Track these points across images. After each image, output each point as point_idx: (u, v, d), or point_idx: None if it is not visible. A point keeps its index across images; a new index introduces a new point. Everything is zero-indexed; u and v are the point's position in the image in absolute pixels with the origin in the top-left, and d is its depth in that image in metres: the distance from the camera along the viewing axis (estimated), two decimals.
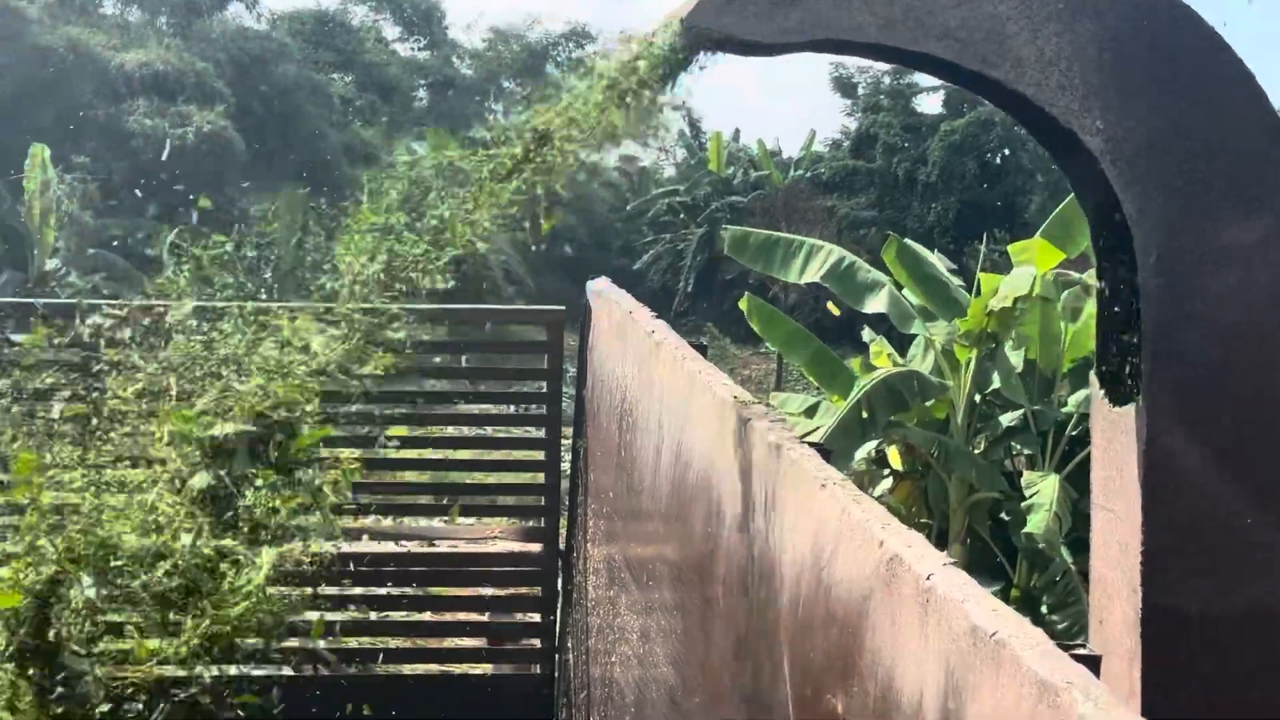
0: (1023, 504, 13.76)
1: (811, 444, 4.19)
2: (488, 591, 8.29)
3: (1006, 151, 52.49)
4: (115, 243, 40.64)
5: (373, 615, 8.11)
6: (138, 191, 43.39)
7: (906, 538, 3.25)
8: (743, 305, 16.78)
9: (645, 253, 53.01)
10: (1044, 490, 13.57)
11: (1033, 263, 14.95)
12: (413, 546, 8.10)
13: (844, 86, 58.30)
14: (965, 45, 4.07)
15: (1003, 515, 15.54)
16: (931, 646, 2.89)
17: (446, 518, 8.23)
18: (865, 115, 56.99)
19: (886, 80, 55.99)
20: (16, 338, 7.37)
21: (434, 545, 8.17)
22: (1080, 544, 13.76)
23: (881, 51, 4.27)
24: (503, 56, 66.54)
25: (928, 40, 4.09)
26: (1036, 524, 13.23)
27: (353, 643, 8.18)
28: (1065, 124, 4.13)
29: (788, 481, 3.92)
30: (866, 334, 18.22)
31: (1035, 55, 4.09)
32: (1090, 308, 14.87)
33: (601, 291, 7.34)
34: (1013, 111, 4.38)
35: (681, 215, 53.86)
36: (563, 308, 7.61)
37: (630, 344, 6.37)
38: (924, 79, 53.87)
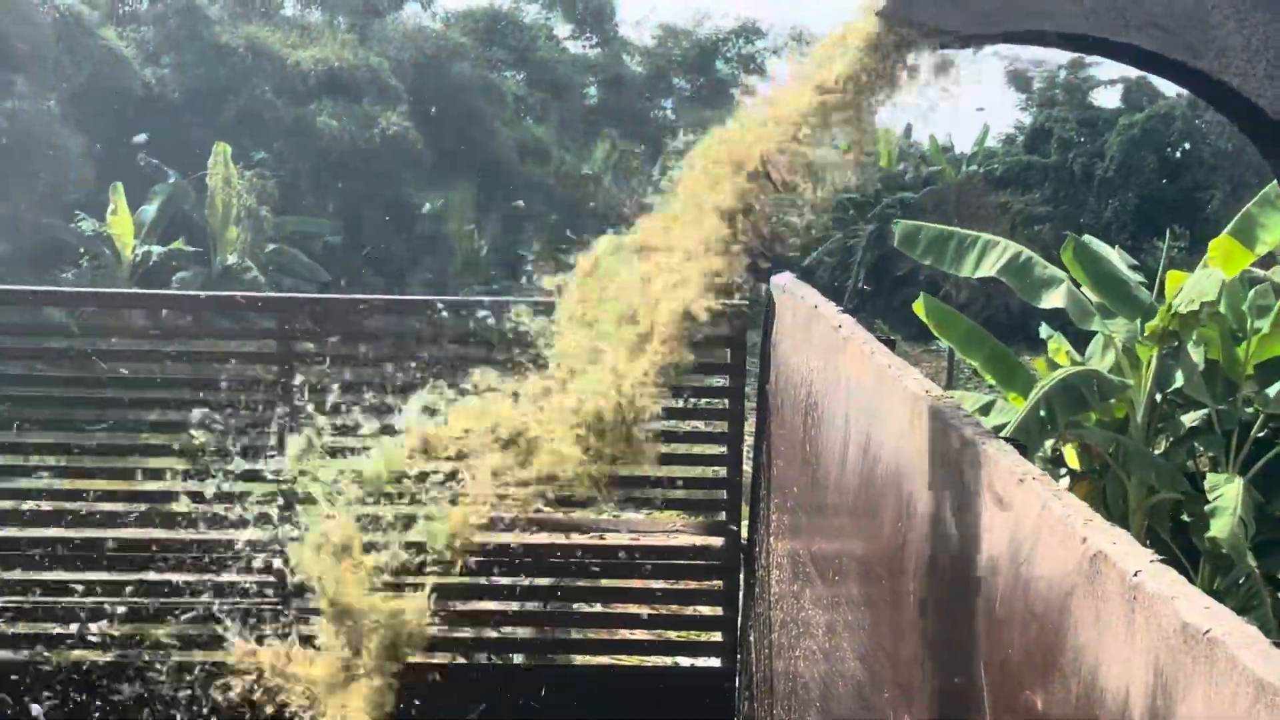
0: (1205, 507, 13.47)
1: (1007, 439, 4.15)
2: (669, 585, 8.34)
3: (1187, 146, 51.40)
4: (297, 240, 41.47)
5: (548, 607, 8.20)
6: (319, 189, 44.25)
7: (1110, 534, 3.20)
8: (917, 306, 16.62)
9: (815, 249, 52.79)
10: (1227, 494, 13.28)
11: (1220, 263, 14.62)
12: (589, 539, 8.17)
13: (1018, 81, 57.59)
14: (1169, 34, 4.00)
15: (1184, 517, 15.24)
16: (1139, 644, 2.84)
17: (631, 510, 8.30)
18: (1040, 110, 56.19)
19: (1062, 74, 55.18)
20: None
21: (604, 538, 8.22)
22: (1266, 548, 13.47)
23: (1080, 41, 4.21)
24: (672, 53, 66.64)
25: (1130, 30, 4.02)
26: (1220, 528, 12.94)
27: (524, 632, 8.30)
28: (1274, 115, 4.03)
29: (984, 476, 3.88)
30: (1044, 331, 17.96)
31: (1242, 44, 4.00)
32: (1277, 306, 14.52)
33: (785, 286, 7.33)
34: (1217, 103, 4.29)
35: (852, 211, 53.54)
36: (746, 302, 7.60)
37: (815, 338, 6.35)
38: (1101, 72, 52.98)
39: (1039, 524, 3.46)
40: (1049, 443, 15.15)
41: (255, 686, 6.39)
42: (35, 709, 8.11)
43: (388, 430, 6.99)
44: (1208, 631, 2.60)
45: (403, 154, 45.47)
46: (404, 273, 45.14)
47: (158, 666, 8.14)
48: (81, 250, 37.64)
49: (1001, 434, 13.07)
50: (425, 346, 8.14)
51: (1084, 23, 4.02)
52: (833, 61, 4.26)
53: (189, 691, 7.82)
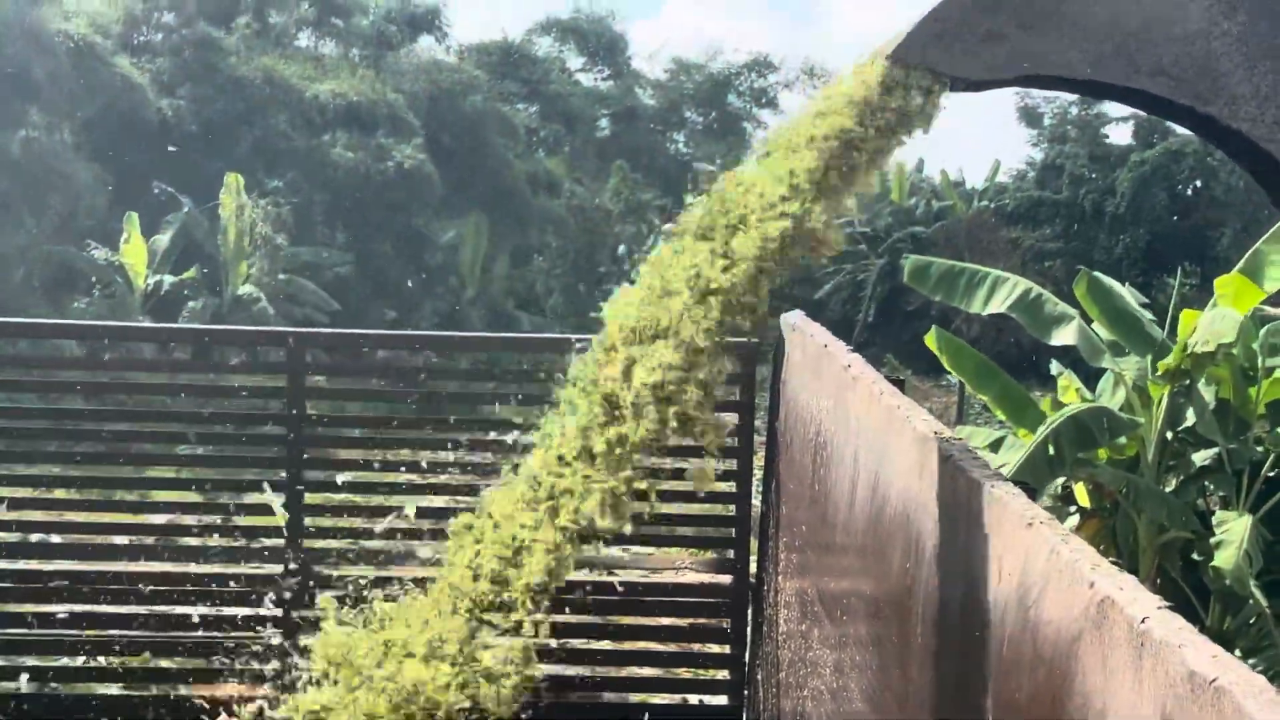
0: (1212, 540, 13.45)
1: (1016, 481, 4.16)
2: (677, 622, 8.33)
3: (1198, 183, 51.44)
4: (308, 271, 41.56)
5: (553, 643, 8.19)
6: (330, 220, 44.39)
7: (1118, 579, 3.21)
8: (929, 340, 16.62)
9: (826, 282, 52.83)
10: (1234, 528, 13.24)
11: (1231, 301, 14.62)
12: (597, 575, 8.17)
13: (1029, 116, 57.69)
14: (1178, 81, 4.02)
15: (1194, 556, 15.20)
16: (1146, 691, 2.85)
17: (638, 547, 8.31)
18: (1051, 145, 56.27)
19: (1074, 110, 55.29)
20: None
21: (613, 574, 8.22)
22: (1276, 587, 13.42)
23: (1091, 87, 4.24)
24: (685, 87, 66.83)
25: (1139, 76, 4.05)
26: (1225, 560, 12.90)
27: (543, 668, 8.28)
28: None
29: (992, 519, 3.89)
30: (1054, 367, 17.95)
31: (1251, 91, 4.02)
32: None
33: (796, 324, 7.35)
34: (1226, 148, 4.32)
35: (862, 245, 53.60)
36: (756, 340, 7.62)
37: (825, 377, 6.37)
38: (1113, 109, 53.04)
39: (1047, 568, 3.47)
40: (1059, 480, 15.12)
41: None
42: None
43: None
44: (1214, 680, 2.61)
45: (416, 186, 45.61)
46: (415, 304, 45.22)
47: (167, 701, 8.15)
48: (94, 279, 37.75)
49: (1008, 470, 13.00)
50: (439, 383, 8.19)
51: (1092, 70, 4.05)
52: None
53: None
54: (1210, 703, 2.60)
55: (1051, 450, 14.12)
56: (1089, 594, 3.19)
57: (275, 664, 8.08)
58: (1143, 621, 2.96)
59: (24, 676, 8.22)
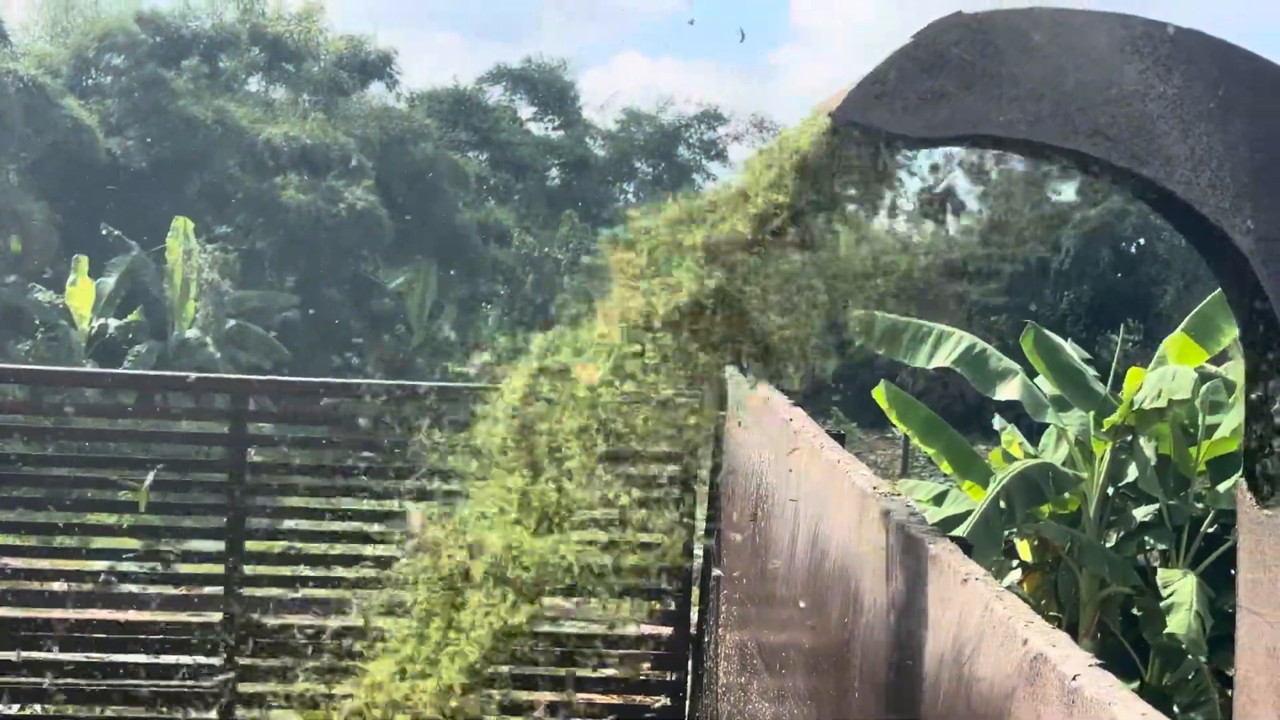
0: (1161, 603, 13.52)
1: (953, 538, 4.19)
2: (616, 674, 8.30)
3: (1141, 241, 51.95)
4: (256, 316, 41.37)
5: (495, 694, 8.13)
6: (279, 263, 44.22)
7: (1051, 636, 3.24)
8: (877, 394, 16.70)
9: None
10: (1182, 589, 13.33)
11: (1175, 360, 14.79)
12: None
13: (974, 172, 58.07)
14: (1115, 143, 4.08)
15: (1134, 611, 15.28)
16: None
17: (577, 598, 8.26)
18: (998, 201, 56.72)
19: (1019, 167, 55.68)
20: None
21: (559, 624, 8.19)
22: (1215, 643, 13.51)
23: (1029, 147, 4.29)
24: (635, 138, 67.08)
25: (1077, 138, 4.10)
26: (1178, 624, 12.98)
27: None
28: (1215, 223, 4.11)
29: (929, 575, 3.92)
30: (997, 422, 18.06)
31: (1186, 154, 4.08)
32: (1229, 403, 14.65)
33: (738, 377, 7.37)
34: (1161, 208, 4.38)
35: None
36: (699, 392, 7.63)
37: (767, 430, 6.40)
38: (1055, 165, 53.45)
39: (982, 624, 3.49)
40: (1005, 532, 15.19)
41: None
42: None
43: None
44: None
45: (366, 230, 45.54)
46: (362, 351, 45.09)
47: None
48: (38, 321, 37.47)
49: (965, 525, 13.02)
50: (382, 432, 8.15)
51: (1030, 129, 4.10)
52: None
53: None
54: None
55: (1003, 505, 14.21)
56: (1022, 650, 3.22)
57: (214, 714, 8.01)
58: (1074, 679, 2.99)
59: None
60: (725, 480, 7.47)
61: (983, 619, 3.50)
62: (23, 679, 8.07)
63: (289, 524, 8.37)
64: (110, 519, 8.68)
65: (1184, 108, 4.11)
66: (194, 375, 8.79)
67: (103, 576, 8.34)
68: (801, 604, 5.40)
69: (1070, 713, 2.95)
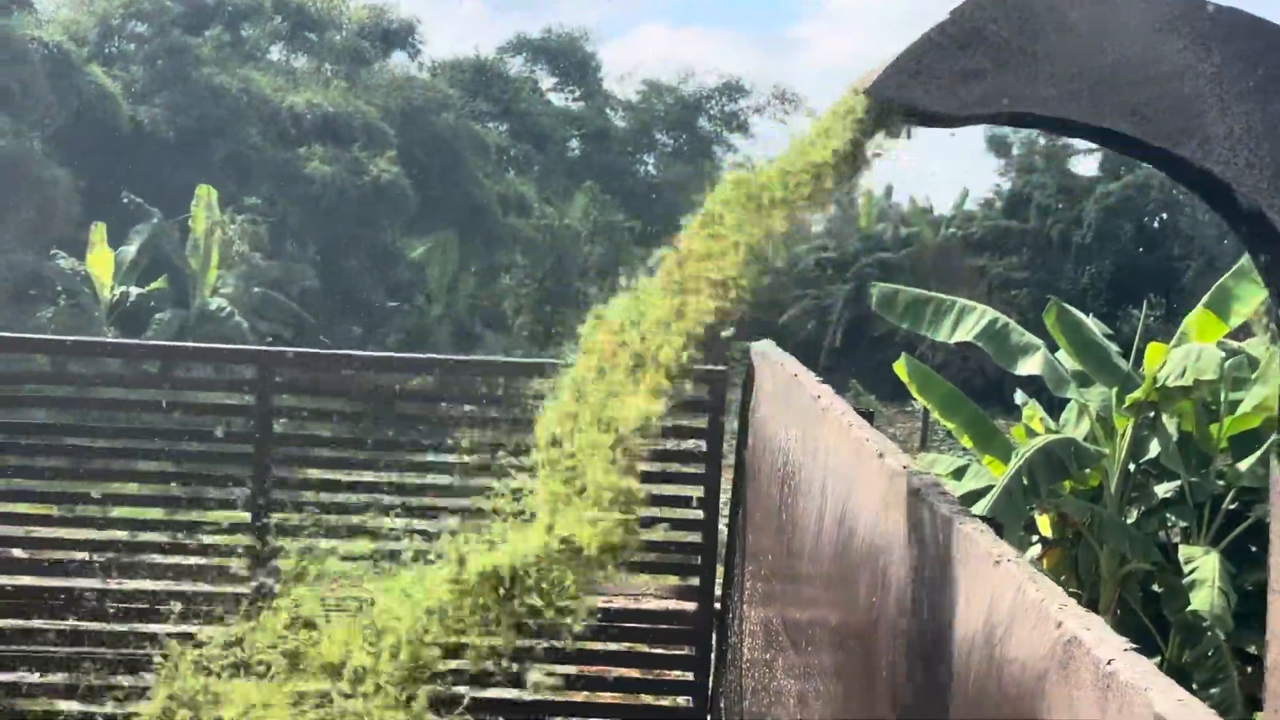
0: (1183, 579, 13.50)
1: (982, 517, 4.16)
2: (640, 649, 8.31)
3: (1164, 216, 51.78)
4: (276, 284, 41.39)
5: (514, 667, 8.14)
6: (302, 234, 44.19)
7: (1085, 620, 3.21)
8: (898, 367, 16.66)
9: (792, 306, 52.90)
10: (1205, 566, 13.31)
11: (1195, 336, 14.74)
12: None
13: (998, 146, 57.94)
14: (1152, 122, 4.05)
15: (1155, 587, 15.26)
16: None
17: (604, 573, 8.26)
18: (1019, 175, 56.53)
19: (1041, 141, 55.54)
20: None
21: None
22: (1236, 619, 13.49)
23: (1065, 125, 4.26)
24: (656, 109, 66.86)
25: (1113, 116, 4.07)
26: (1202, 600, 12.97)
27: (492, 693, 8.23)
28: (1252, 202, 4.08)
29: (960, 555, 3.89)
30: (1019, 397, 18.01)
31: (1224, 133, 4.05)
32: (1251, 379, 14.60)
33: (765, 353, 7.36)
34: (1197, 188, 4.34)
35: (829, 271, 53.72)
36: (724, 367, 7.63)
37: (794, 407, 6.37)
38: (1080, 140, 53.31)
39: (1014, 607, 3.47)
40: (1027, 508, 15.16)
41: None
42: None
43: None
44: None
45: (390, 201, 45.52)
46: (382, 320, 45.12)
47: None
48: (60, 288, 37.53)
49: (986, 500, 12.99)
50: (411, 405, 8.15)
51: (1067, 108, 4.07)
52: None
53: None
54: None
55: (1025, 481, 14.18)
56: (1055, 633, 3.19)
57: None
58: (1109, 663, 2.96)
59: None
60: (751, 457, 7.45)
61: (1015, 601, 3.48)
62: (46, 647, 8.09)
63: (313, 495, 8.38)
64: (133, 489, 8.69)
65: (1223, 86, 4.07)
66: (221, 346, 8.80)
67: (125, 546, 8.37)
68: (828, 581, 5.38)
69: (1104, 697, 2.92)
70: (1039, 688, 3.23)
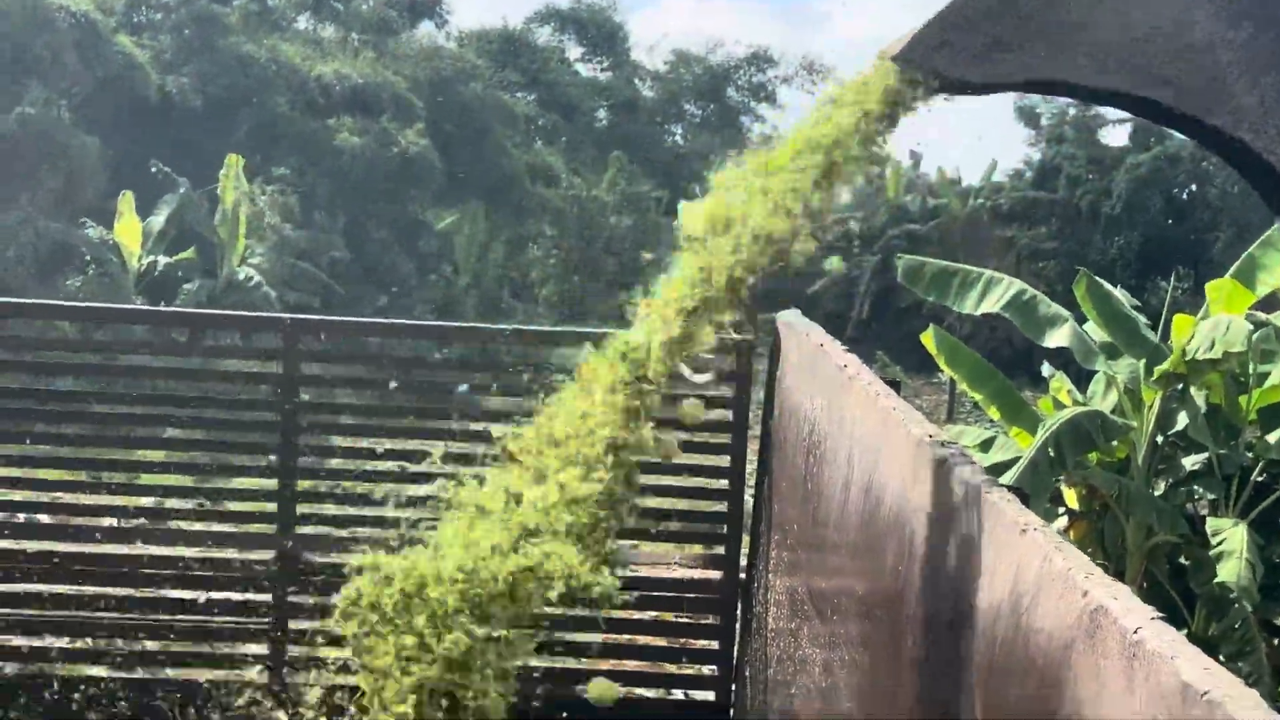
0: (1210, 552, 13.46)
1: (1009, 487, 4.16)
2: (665, 617, 8.33)
3: (1193, 187, 51.49)
4: (303, 254, 41.44)
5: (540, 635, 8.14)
6: (330, 204, 44.22)
7: (1112, 589, 3.21)
8: (926, 339, 16.61)
9: (819, 277, 52.77)
10: (1233, 538, 13.26)
11: (1220, 305, 14.66)
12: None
13: (1027, 116, 57.65)
14: (1184, 91, 4.02)
15: (1181, 560, 15.22)
16: (1138, 702, 2.84)
17: (628, 541, 8.28)
18: (1049, 146, 56.24)
19: (1071, 111, 55.23)
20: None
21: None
22: (1263, 591, 13.46)
23: (1095, 94, 4.24)
24: (684, 79, 66.66)
25: (1145, 86, 4.05)
26: (1229, 572, 12.93)
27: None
28: None
29: (986, 525, 3.89)
30: (1046, 369, 17.96)
31: (1255, 103, 4.02)
32: None
33: (791, 323, 7.35)
34: (1228, 157, 4.31)
35: (856, 242, 53.59)
36: (751, 336, 7.62)
37: (820, 377, 6.37)
38: (1110, 111, 53.06)
39: (1041, 576, 3.46)
40: (1054, 479, 15.13)
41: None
42: None
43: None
44: (1206, 693, 2.61)
45: (418, 172, 45.49)
46: (409, 291, 45.14)
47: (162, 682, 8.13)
48: (88, 257, 37.63)
49: (1013, 472, 12.98)
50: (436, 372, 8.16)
51: (1099, 78, 4.05)
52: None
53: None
54: (1203, 716, 2.59)
55: (1052, 453, 14.14)
56: (1082, 603, 3.18)
57: (264, 649, 8.08)
58: (1136, 632, 2.96)
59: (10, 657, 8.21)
60: (777, 426, 7.45)
61: (1041, 570, 3.47)
62: (74, 614, 8.14)
63: (340, 463, 8.41)
64: (159, 456, 8.72)
65: (1253, 56, 4.05)
66: (246, 314, 8.82)
67: (152, 512, 8.41)
68: (854, 551, 5.38)
69: (1131, 666, 2.91)
70: (1065, 657, 3.23)
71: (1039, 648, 3.42)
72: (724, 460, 8.14)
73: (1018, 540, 3.68)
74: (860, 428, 5.39)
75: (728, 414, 8.07)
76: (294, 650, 8.01)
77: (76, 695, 8.08)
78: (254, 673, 7.99)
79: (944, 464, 4.28)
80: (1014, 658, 3.58)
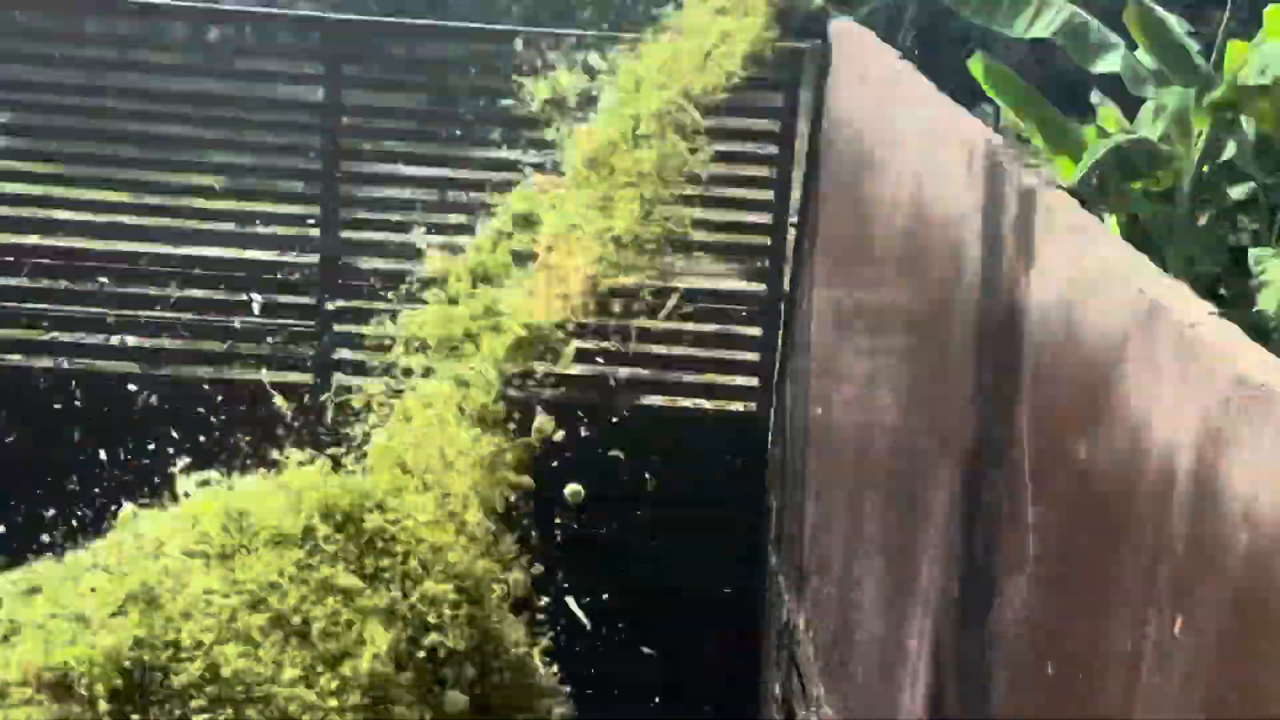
0: (1251, 281, 13.34)
1: (1066, 189, 4.09)
2: (705, 328, 8.25)
3: None
4: None
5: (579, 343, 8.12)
6: None
7: (1168, 285, 3.16)
8: (973, 64, 16.23)
9: (863, 5, 51.64)
10: (1273, 268, 13.12)
11: (1274, 31, 14.29)
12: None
13: None
14: None
15: (1221, 291, 15.12)
16: (1191, 394, 2.81)
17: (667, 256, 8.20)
18: None
19: None
20: None
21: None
22: None
23: None
24: None
25: None
26: (1268, 300, 12.82)
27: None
28: None
29: (1040, 227, 3.83)
30: (1094, 96, 17.63)
31: None
32: None
33: (842, 32, 7.18)
34: None
35: None
36: (804, 45, 7.43)
37: (871, 85, 6.25)
38: None
39: (1096, 274, 3.41)
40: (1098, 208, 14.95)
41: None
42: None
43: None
44: (1263, 384, 2.57)
45: None
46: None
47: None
48: None
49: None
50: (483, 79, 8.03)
51: None
52: None
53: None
54: (1259, 406, 2.56)
55: (1095, 181, 13.96)
56: (1138, 298, 3.13)
57: (308, 350, 8.13)
58: (1191, 326, 2.92)
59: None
60: (825, 135, 7.32)
61: (1095, 267, 3.43)
62: (116, 310, 8.18)
63: (385, 169, 8.35)
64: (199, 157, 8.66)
65: None
66: (289, 13, 8.68)
67: (194, 213, 8.40)
68: (901, 261, 5.34)
69: (1186, 360, 2.88)
70: (1119, 354, 3.19)
71: (1090, 345, 3.39)
72: (769, 171, 8.02)
73: (1073, 240, 3.63)
74: (911, 134, 5.30)
75: (774, 124, 7.94)
76: (339, 354, 8.05)
77: (113, 390, 8.11)
78: (296, 375, 8.05)
79: (998, 166, 4.20)
80: (1064, 357, 3.56)
